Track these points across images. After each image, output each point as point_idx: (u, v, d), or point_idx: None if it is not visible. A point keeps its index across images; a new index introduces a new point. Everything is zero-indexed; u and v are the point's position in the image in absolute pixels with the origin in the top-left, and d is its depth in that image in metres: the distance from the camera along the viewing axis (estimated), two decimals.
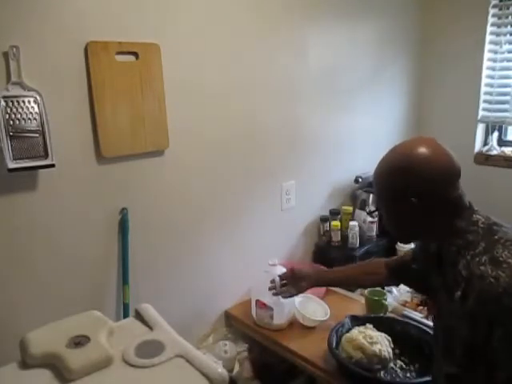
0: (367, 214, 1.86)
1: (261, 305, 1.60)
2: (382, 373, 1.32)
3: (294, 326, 1.63)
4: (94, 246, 1.38)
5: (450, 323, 0.95)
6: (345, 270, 1.48)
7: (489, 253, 0.90)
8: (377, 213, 1.23)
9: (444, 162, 0.96)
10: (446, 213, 0.98)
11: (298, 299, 1.65)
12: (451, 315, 0.94)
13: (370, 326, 1.40)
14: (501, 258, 0.89)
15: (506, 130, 2.36)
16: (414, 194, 0.96)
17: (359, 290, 1.83)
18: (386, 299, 1.62)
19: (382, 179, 1.03)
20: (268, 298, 1.55)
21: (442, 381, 0.99)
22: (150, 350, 0.92)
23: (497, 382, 0.88)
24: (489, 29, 2.19)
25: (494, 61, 2.23)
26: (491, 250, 0.91)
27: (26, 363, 0.89)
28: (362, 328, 1.39)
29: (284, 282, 1.48)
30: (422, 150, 0.96)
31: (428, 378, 1.20)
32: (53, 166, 1.21)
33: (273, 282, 1.48)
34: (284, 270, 1.54)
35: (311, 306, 1.66)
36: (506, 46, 2.18)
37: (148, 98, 1.39)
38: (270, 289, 1.49)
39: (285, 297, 1.47)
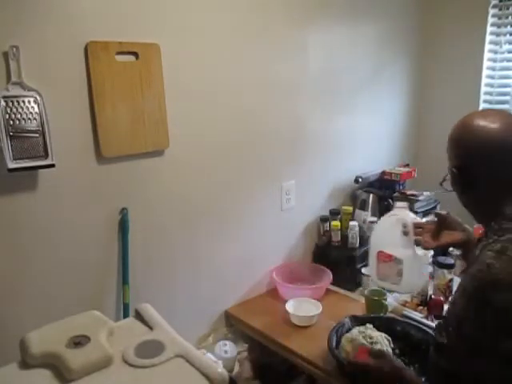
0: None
1: (384, 257, 1.26)
2: None
3: (294, 325, 1.62)
4: (94, 246, 1.38)
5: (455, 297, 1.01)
6: None
7: (506, 243, 0.92)
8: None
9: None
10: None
11: (290, 302, 1.65)
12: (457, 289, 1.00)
13: (369, 326, 1.40)
14: (508, 252, 0.90)
15: None
16: None
17: (359, 290, 1.83)
18: (385, 299, 1.62)
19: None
20: (395, 250, 1.24)
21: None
22: (150, 350, 0.92)
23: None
24: (489, 29, 2.19)
25: (494, 61, 2.22)
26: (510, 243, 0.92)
27: (26, 363, 0.89)
28: (362, 328, 1.39)
29: (419, 229, 1.23)
30: None
31: None
32: (53, 166, 1.21)
33: (405, 226, 1.21)
34: (413, 217, 1.27)
35: (304, 307, 1.66)
36: (506, 46, 2.17)
37: (148, 98, 1.39)
38: (404, 233, 1.22)
39: (427, 247, 1.20)
